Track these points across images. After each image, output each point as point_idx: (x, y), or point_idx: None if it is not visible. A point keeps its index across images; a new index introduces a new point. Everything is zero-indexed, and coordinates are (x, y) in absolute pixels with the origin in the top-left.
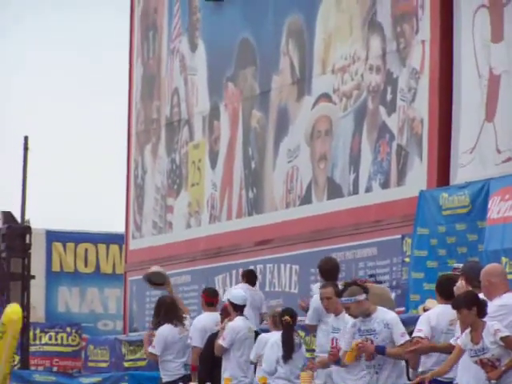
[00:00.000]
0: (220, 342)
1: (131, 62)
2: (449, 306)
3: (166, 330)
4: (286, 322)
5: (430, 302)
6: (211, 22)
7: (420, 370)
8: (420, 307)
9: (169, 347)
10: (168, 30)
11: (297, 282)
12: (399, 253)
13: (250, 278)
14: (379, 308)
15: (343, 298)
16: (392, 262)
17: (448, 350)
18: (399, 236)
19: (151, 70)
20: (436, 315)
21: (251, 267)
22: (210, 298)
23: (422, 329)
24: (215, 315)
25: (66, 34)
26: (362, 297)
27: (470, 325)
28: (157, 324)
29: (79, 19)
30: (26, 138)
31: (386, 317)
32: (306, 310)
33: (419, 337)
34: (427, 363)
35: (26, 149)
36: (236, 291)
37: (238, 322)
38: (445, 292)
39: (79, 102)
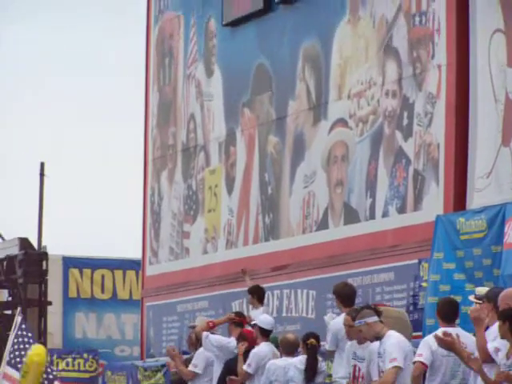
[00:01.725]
0: (245, 368)
1: (147, 88)
2: (450, 330)
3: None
4: (312, 345)
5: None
6: (227, 47)
7: None
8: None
9: (207, 367)
10: (184, 55)
11: (314, 307)
12: (416, 277)
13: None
14: (389, 333)
15: (356, 322)
16: (409, 287)
17: None
18: (416, 261)
19: (167, 96)
20: None
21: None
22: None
23: (422, 353)
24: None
25: (83, 60)
26: (373, 319)
27: (506, 338)
28: (196, 344)
29: (96, 45)
30: (42, 164)
31: (385, 343)
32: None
33: (419, 361)
34: None
35: (42, 175)
36: (264, 316)
37: (263, 347)
38: (446, 315)
39: (95, 128)
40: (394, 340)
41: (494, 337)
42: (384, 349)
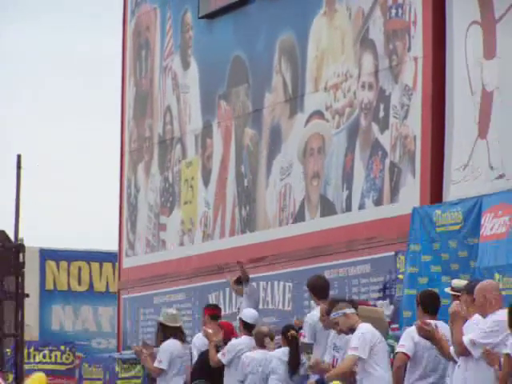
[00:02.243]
0: (220, 356)
1: (124, 80)
2: (432, 322)
3: (172, 344)
4: (293, 336)
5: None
6: (203, 39)
7: None
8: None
9: (173, 362)
10: (160, 48)
11: (290, 299)
12: (393, 270)
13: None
14: (361, 325)
15: (332, 313)
16: (385, 279)
17: None
18: (392, 253)
19: (144, 89)
20: None
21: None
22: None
23: (404, 344)
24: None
25: (59, 53)
26: (350, 310)
27: None
28: (162, 339)
29: (72, 39)
30: (18, 157)
31: (354, 333)
32: (299, 328)
33: (402, 352)
34: (411, 379)
35: (18, 167)
36: (247, 310)
37: (242, 339)
38: (429, 307)
39: (72, 120)
40: (359, 331)
41: (472, 329)
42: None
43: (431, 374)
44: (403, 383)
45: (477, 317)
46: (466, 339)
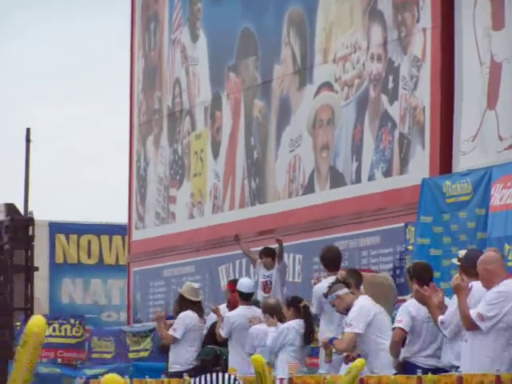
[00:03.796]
0: (220, 331)
1: (132, 53)
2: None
3: (189, 315)
4: (306, 307)
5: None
6: (212, 12)
7: (402, 356)
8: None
9: (187, 333)
10: (169, 20)
11: (300, 271)
12: (402, 241)
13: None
14: (356, 302)
15: (328, 297)
16: (395, 251)
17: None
18: (402, 224)
19: (153, 61)
20: (416, 305)
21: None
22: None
23: (401, 319)
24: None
25: (68, 25)
26: (343, 291)
27: None
28: (178, 310)
29: (81, 12)
30: (27, 130)
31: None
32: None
33: (399, 327)
34: (409, 352)
35: (28, 140)
36: (243, 279)
37: (236, 310)
38: (424, 280)
39: (81, 94)
40: (355, 308)
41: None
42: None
43: (429, 345)
44: (399, 357)
45: (475, 286)
46: (472, 313)
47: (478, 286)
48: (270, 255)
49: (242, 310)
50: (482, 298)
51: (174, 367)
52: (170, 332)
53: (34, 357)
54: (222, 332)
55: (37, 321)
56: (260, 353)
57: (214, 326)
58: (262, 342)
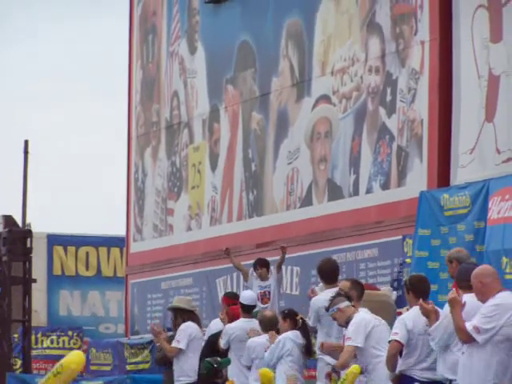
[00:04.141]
0: (219, 341)
1: (131, 65)
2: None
3: (190, 325)
4: (303, 319)
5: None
6: (210, 24)
7: (398, 369)
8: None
9: (191, 343)
10: (167, 32)
11: (298, 283)
12: (400, 254)
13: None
14: (355, 315)
15: (329, 310)
16: (393, 263)
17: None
18: (400, 237)
19: (151, 73)
20: (412, 317)
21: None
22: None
23: (397, 332)
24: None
25: (66, 37)
26: (344, 304)
27: None
28: (179, 323)
29: (79, 24)
30: (26, 142)
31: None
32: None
33: (395, 340)
34: (405, 365)
35: (26, 152)
36: (245, 292)
37: (235, 323)
38: (420, 293)
39: (79, 105)
40: (354, 320)
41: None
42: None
43: (426, 358)
44: (396, 370)
45: (468, 299)
46: (468, 326)
47: (470, 299)
48: (265, 266)
49: (242, 323)
50: (474, 311)
51: (180, 380)
52: (174, 344)
53: None
54: (221, 343)
55: (76, 358)
56: (258, 365)
57: (212, 337)
58: (259, 354)
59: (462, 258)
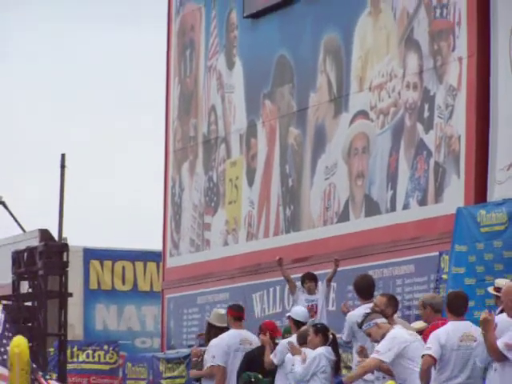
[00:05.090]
0: (272, 356)
1: (168, 80)
2: (459, 323)
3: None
4: (334, 336)
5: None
6: (248, 39)
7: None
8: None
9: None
10: (205, 47)
11: (334, 299)
12: (437, 270)
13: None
14: (392, 330)
15: (364, 325)
16: (429, 279)
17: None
18: (437, 253)
19: (188, 88)
20: (446, 332)
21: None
22: (237, 313)
23: (431, 347)
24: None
25: (104, 51)
26: (381, 320)
27: None
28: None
29: (118, 38)
30: (62, 156)
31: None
32: (345, 313)
33: (428, 354)
34: (438, 380)
35: (62, 166)
36: (298, 308)
37: (293, 338)
38: (455, 309)
39: (116, 120)
40: (388, 336)
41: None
42: None
43: (459, 374)
44: None
45: (500, 318)
46: (500, 344)
47: (502, 318)
48: (314, 280)
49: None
50: (506, 329)
51: None
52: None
53: (23, 378)
54: (275, 358)
55: (16, 341)
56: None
57: (249, 354)
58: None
59: (436, 304)
